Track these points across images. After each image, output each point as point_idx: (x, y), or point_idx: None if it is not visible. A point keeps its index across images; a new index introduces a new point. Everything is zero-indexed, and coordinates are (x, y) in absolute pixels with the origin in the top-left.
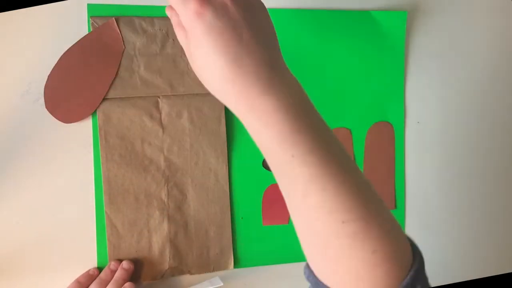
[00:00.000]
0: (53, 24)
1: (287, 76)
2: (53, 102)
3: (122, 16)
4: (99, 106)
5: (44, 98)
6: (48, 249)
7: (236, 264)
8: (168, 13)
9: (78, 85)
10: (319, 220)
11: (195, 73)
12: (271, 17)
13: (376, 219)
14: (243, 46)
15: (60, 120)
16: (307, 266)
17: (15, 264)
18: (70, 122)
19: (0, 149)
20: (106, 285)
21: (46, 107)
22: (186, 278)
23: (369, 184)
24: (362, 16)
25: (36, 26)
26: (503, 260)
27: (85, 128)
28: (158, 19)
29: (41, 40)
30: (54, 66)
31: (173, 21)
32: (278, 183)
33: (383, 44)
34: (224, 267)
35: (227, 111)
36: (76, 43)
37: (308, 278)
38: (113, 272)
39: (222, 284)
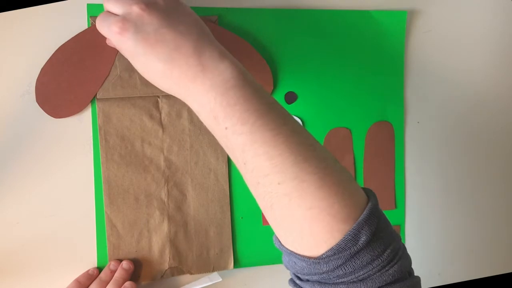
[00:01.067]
0: (53, 24)
1: (216, 59)
2: (43, 96)
3: None
4: (99, 105)
5: (35, 91)
6: (48, 249)
7: (236, 264)
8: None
9: (70, 80)
10: (260, 184)
11: (144, 77)
12: (271, 17)
13: (311, 176)
14: (169, 45)
15: (49, 115)
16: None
17: (15, 264)
18: (60, 117)
19: (0, 149)
20: (106, 285)
21: (36, 100)
22: (186, 278)
23: (311, 144)
24: (362, 16)
25: (36, 26)
26: (503, 260)
27: (85, 128)
28: None
29: (41, 40)
30: (48, 61)
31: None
32: (231, 159)
33: (383, 44)
34: (224, 267)
35: None
36: (71, 38)
37: (275, 244)
38: (113, 272)
39: (221, 279)
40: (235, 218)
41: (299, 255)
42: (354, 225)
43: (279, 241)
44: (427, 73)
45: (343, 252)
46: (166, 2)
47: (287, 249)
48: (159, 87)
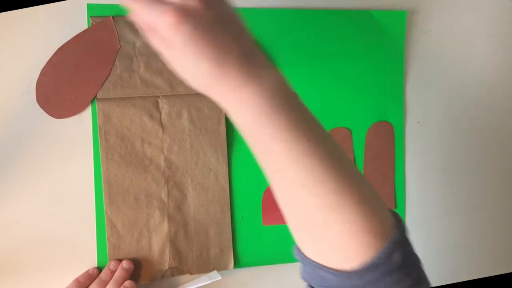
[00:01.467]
0: (53, 24)
1: (262, 66)
2: (44, 96)
3: (122, 16)
4: (99, 105)
5: (36, 92)
6: (48, 249)
7: (236, 264)
8: (134, 18)
9: (70, 81)
10: (294, 194)
11: (178, 74)
12: (271, 17)
13: (350, 191)
14: (220, 48)
15: (50, 115)
16: (296, 245)
17: (15, 263)
18: (61, 118)
19: (0, 149)
20: (106, 285)
21: (37, 101)
22: (186, 278)
23: (348, 161)
24: (362, 15)
25: (36, 26)
26: (503, 260)
27: (85, 128)
28: None
29: (41, 40)
30: (48, 61)
31: (141, 26)
32: (260, 164)
33: (383, 43)
34: (224, 267)
35: None
36: (71, 39)
37: (296, 256)
38: (113, 272)
39: (220, 277)
40: (235, 218)
41: (327, 268)
42: (389, 242)
43: (302, 253)
44: (427, 73)
45: (377, 268)
46: (222, 3)
47: (313, 261)
48: (196, 87)
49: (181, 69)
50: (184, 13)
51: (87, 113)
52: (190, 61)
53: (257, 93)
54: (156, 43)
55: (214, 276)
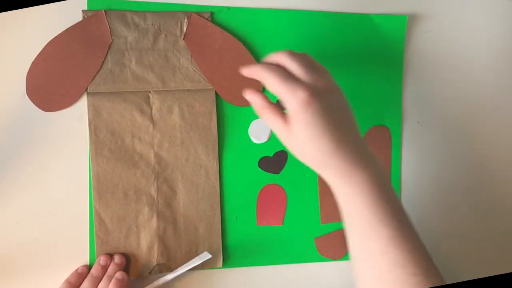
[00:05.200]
0: (53, 24)
1: (372, 155)
2: (34, 89)
3: (114, 10)
4: (89, 100)
5: (26, 84)
6: (44, 248)
7: (230, 264)
8: (250, 97)
9: (61, 74)
10: (391, 272)
11: (292, 149)
12: (270, 18)
13: (434, 274)
14: (341, 128)
15: (40, 108)
16: None
17: (13, 263)
18: (50, 111)
19: (0, 150)
20: (99, 281)
21: (26, 94)
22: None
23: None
24: (363, 19)
25: (36, 26)
26: (503, 260)
27: (84, 127)
28: (151, 13)
29: (41, 40)
30: (39, 54)
31: (258, 104)
32: (354, 241)
33: (383, 48)
34: (212, 264)
35: (218, 108)
36: (62, 32)
37: None
38: (103, 267)
39: (210, 256)
40: (229, 218)
41: None
42: None
43: None
44: (426, 78)
45: None
46: (340, 93)
47: None
48: (309, 160)
49: (304, 143)
50: (315, 90)
51: (86, 110)
52: (313, 138)
53: (371, 180)
54: (276, 120)
55: (205, 256)
